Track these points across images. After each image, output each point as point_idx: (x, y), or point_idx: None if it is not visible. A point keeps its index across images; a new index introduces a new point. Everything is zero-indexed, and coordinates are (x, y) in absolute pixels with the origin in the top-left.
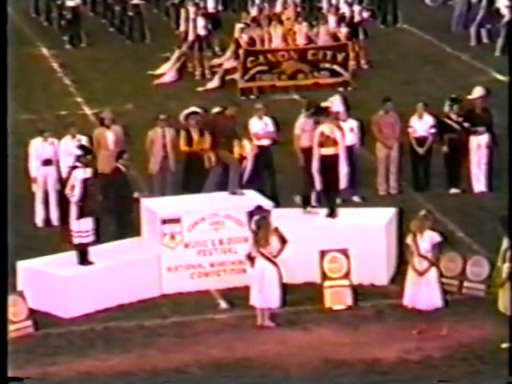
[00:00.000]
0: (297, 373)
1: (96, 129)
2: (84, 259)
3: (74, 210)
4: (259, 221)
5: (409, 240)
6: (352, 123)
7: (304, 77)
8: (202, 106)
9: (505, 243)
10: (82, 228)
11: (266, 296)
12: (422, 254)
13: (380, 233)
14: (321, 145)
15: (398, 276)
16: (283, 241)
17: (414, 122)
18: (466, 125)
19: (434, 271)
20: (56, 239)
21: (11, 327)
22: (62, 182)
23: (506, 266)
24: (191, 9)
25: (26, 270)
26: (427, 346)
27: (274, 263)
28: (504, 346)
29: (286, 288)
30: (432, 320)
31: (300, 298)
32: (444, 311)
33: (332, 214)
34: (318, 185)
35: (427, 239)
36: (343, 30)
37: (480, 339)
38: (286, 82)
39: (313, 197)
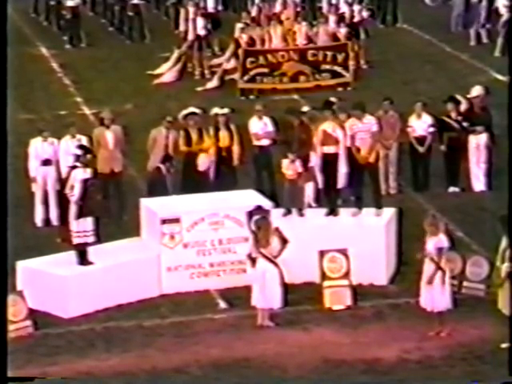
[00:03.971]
0: (296, 373)
1: (96, 129)
2: (83, 259)
3: (73, 210)
4: (259, 221)
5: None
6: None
7: (306, 79)
8: (201, 105)
9: (504, 243)
10: (81, 228)
11: (267, 297)
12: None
13: (379, 233)
14: (322, 143)
15: (398, 276)
16: (284, 241)
17: (413, 121)
18: (465, 124)
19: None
20: (56, 239)
21: (11, 327)
22: (62, 182)
23: (505, 266)
24: (191, 9)
25: (26, 269)
26: (427, 346)
27: (275, 264)
28: (503, 345)
29: (285, 288)
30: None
31: (299, 298)
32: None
33: (331, 212)
34: (319, 183)
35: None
36: (343, 30)
37: (480, 339)
38: (287, 85)
39: (312, 195)
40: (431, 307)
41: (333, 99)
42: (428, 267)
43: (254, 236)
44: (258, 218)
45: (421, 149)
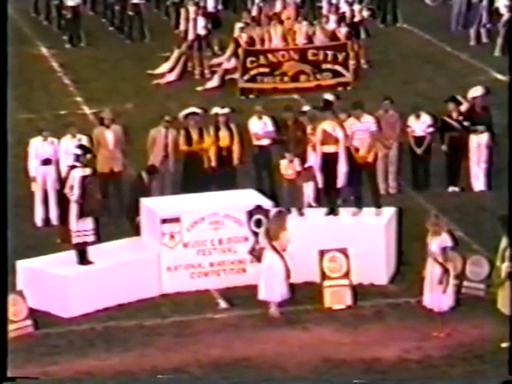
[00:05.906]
0: (296, 372)
1: (96, 128)
2: (83, 259)
3: (73, 210)
4: (274, 215)
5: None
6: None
7: (306, 78)
8: (201, 105)
9: (504, 242)
10: (81, 227)
11: (270, 289)
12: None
13: (379, 232)
14: (322, 142)
15: (398, 275)
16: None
17: (412, 121)
18: (465, 124)
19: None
20: (55, 239)
21: (11, 327)
22: (62, 182)
23: (504, 266)
24: (191, 8)
25: (26, 269)
26: (427, 346)
27: (282, 257)
28: (504, 345)
29: (290, 283)
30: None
31: (300, 298)
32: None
33: (331, 212)
34: (319, 183)
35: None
36: (343, 30)
37: (480, 339)
38: (288, 85)
39: (312, 195)
40: (438, 307)
41: (330, 97)
42: (432, 267)
43: (266, 229)
44: (275, 212)
45: (418, 150)
